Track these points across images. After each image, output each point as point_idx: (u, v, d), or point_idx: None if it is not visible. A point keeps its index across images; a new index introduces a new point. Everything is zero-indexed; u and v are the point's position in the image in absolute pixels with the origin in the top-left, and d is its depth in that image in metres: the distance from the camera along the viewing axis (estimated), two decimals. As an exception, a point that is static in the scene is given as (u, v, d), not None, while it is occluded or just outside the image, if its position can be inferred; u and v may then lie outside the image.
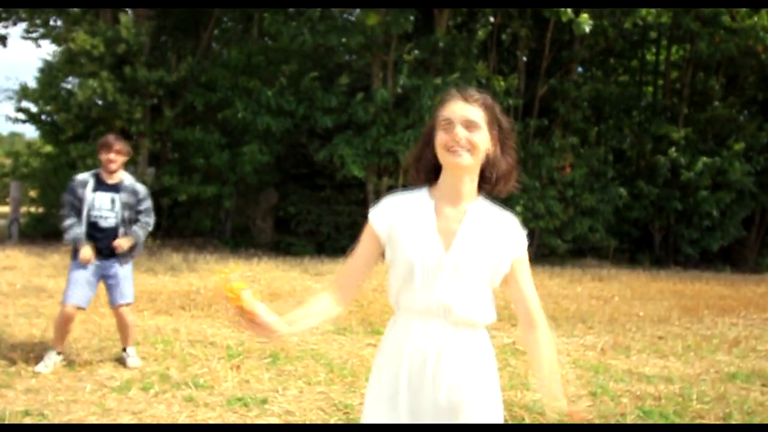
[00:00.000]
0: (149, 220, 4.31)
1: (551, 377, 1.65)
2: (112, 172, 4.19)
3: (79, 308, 4.12)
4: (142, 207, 4.28)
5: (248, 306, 1.52)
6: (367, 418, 1.69)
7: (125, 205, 4.20)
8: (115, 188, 4.19)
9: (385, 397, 1.64)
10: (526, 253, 1.69)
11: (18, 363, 4.12)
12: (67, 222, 4.12)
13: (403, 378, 1.61)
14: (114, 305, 4.25)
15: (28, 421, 3.28)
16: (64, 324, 4.10)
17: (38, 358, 4.27)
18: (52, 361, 4.10)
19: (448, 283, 1.59)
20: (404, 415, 1.62)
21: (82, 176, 4.23)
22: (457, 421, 1.60)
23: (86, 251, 4.05)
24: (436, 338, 1.60)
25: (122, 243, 4.16)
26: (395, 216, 1.67)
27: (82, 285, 4.09)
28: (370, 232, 1.69)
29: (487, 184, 1.68)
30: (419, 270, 1.59)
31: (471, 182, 1.65)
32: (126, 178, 4.27)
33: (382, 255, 1.71)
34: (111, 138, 4.21)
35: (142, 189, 4.31)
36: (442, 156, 1.62)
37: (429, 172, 1.70)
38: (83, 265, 4.09)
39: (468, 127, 1.59)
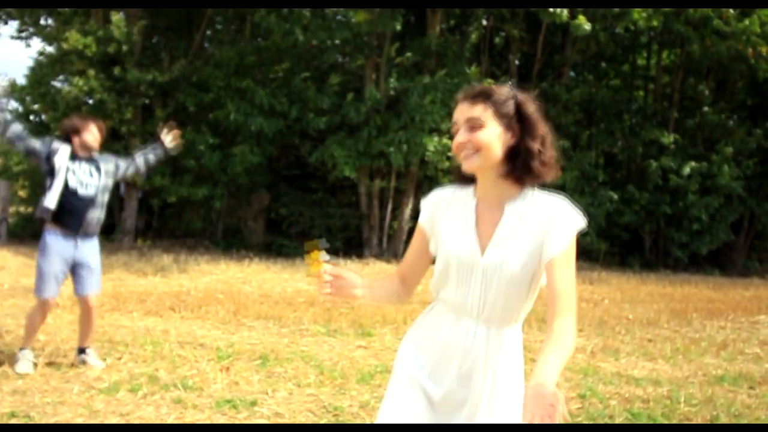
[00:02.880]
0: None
1: (546, 357, 1.41)
2: (92, 151, 4.09)
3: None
4: (123, 164, 4.28)
5: (332, 271, 1.68)
6: (390, 389, 1.73)
7: (108, 173, 4.13)
8: (92, 161, 4.11)
9: (408, 377, 1.69)
10: (568, 246, 1.53)
11: (4, 364, 4.08)
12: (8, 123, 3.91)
13: (428, 367, 1.67)
14: (84, 294, 4.10)
15: (14, 422, 3.25)
16: (43, 320, 4.06)
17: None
18: (30, 360, 4.05)
19: (482, 284, 1.58)
20: (423, 398, 1.66)
21: (60, 143, 4.06)
22: (473, 419, 1.61)
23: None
24: (467, 335, 1.62)
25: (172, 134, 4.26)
26: (439, 210, 1.69)
27: (57, 277, 3.99)
28: (419, 226, 1.75)
29: (525, 175, 1.59)
30: (454, 268, 1.61)
31: (501, 179, 1.59)
32: (95, 154, 4.19)
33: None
34: (84, 117, 4.12)
35: (117, 158, 4.33)
36: (459, 160, 1.62)
37: (465, 176, 1.67)
38: (55, 256, 3.96)
39: (472, 127, 1.55)
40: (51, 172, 4.00)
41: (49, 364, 4.17)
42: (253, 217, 12.10)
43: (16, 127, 3.99)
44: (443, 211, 1.68)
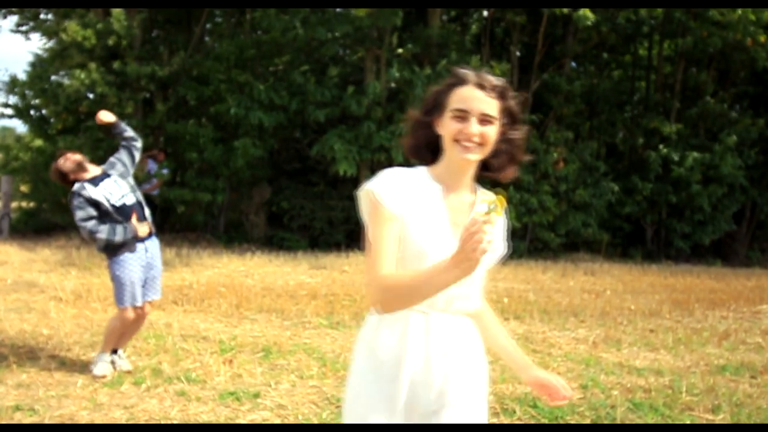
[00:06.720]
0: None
1: (515, 348, 1.81)
2: (83, 168, 4.02)
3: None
4: (121, 157, 4.23)
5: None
6: (362, 417, 1.57)
7: (121, 174, 4.11)
8: (103, 176, 4.06)
9: (384, 397, 1.55)
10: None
11: (9, 358, 4.11)
12: (103, 230, 3.86)
13: (406, 374, 1.54)
14: (147, 300, 4.08)
15: (18, 415, 3.27)
16: (127, 327, 4.02)
17: (29, 353, 4.26)
18: (108, 362, 3.99)
19: None
20: (400, 413, 1.55)
21: (77, 186, 3.96)
22: (456, 413, 1.57)
23: (143, 227, 3.98)
24: (438, 330, 1.56)
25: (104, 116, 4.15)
26: (406, 198, 1.53)
27: (138, 284, 3.97)
28: (389, 214, 1.51)
29: (489, 171, 1.62)
30: (426, 261, 1.49)
31: (473, 171, 1.61)
32: (94, 169, 4.10)
33: None
34: (77, 157, 4.04)
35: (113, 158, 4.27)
36: (450, 146, 1.54)
37: (429, 154, 1.62)
38: (132, 262, 3.94)
39: (482, 121, 1.51)
40: (93, 213, 3.94)
41: (53, 357, 4.20)
42: (255, 211, 12.09)
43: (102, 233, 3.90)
44: (410, 200, 1.53)
